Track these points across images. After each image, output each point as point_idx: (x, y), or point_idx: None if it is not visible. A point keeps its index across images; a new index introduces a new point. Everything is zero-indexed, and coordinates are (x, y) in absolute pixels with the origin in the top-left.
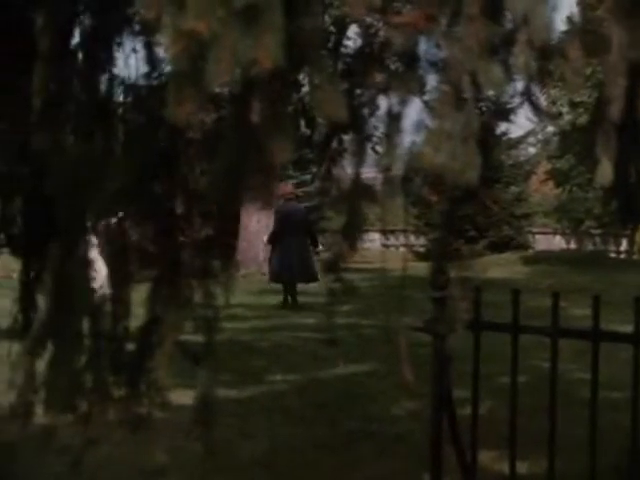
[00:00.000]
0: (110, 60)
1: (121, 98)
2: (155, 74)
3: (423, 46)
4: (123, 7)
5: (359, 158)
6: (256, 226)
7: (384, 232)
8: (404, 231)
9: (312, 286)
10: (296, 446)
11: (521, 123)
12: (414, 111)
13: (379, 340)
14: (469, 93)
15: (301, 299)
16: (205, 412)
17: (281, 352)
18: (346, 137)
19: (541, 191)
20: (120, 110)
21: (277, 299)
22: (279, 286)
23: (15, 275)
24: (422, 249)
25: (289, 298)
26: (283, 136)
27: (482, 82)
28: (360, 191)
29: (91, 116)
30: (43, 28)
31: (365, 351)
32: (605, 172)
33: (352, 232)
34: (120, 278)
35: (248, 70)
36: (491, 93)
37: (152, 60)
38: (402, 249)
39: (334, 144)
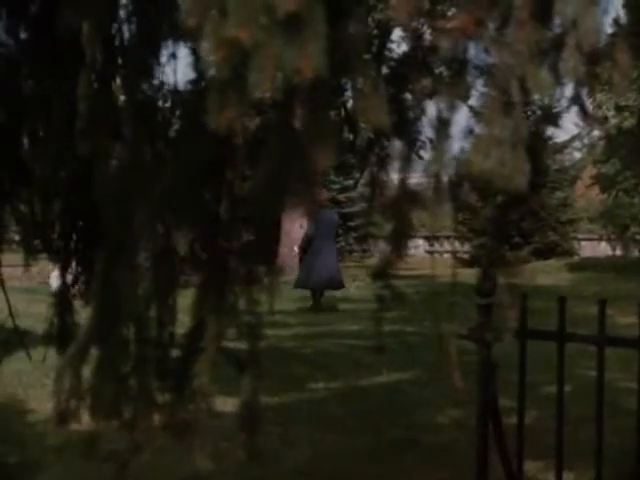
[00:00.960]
0: (156, 66)
1: (167, 104)
2: (201, 80)
3: (471, 51)
4: (169, 13)
5: (405, 163)
6: (298, 232)
7: (428, 238)
8: (448, 237)
9: (354, 292)
10: (339, 454)
11: (566, 127)
12: (460, 117)
13: (423, 347)
14: (518, 98)
15: (343, 306)
16: (250, 420)
17: (323, 359)
18: (389, 142)
19: (586, 196)
20: (166, 116)
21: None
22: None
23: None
24: (466, 255)
25: (315, 301)
26: (326, 143)
27: (531, 87)
28: (408, 197)
29: (137, 122)
30: (89, 34)
31: (409, 358)
32: None
33: (400, 239)
34: (166, 284)
35: (291, 78)
36: (539, 98)
37: (198, 66)
38: (446, 255)
39: (377, 149)
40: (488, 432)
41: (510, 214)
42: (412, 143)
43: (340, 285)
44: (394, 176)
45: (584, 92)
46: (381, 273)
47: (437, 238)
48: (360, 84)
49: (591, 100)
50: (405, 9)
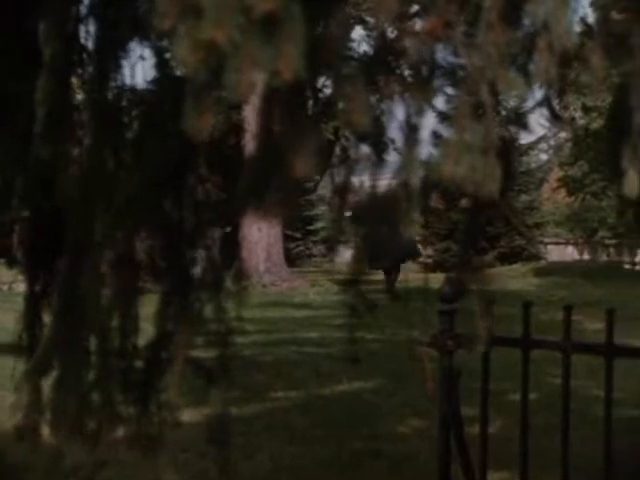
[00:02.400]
0: (117, 68)
1: (129, 107)
2: (165, 82)
3: (440, 53)
4: (130, 12)
5: (370, 166)
6: (256, 235)
7: None
8: None
9: (313, 298)
10: (300, 466)
11: (531, 128)
12: (429, 121)
13: (385, 355)
14: (488, 102)
15: (303, 313)
16: (221, 432)
17: (283, 368)
18: (351, 144)
19: (553, 199)
20: (128, 119)
21: (280, 312)
22: (280, 298)
23: (5, 287)
24: (429, 260)
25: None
26: (306, 148)
27: (501, 90)
28: (375, 202)
29: (99, 125)
30: (47, 35)
31: (371, 367)
32: (632, 184)
33: (371, 244)
34: (129, 292)
35: (270, 81)
36: (508, 100)
37: (163, 68)
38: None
39: (338, 151)
40: (450, 442)
41: (479, 219)
42: (378, 146)
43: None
44: (356, 178)
45: (554, 94)
46: (352, 281)
47: None
48: (341, 87)
49: (558, 101)
50: (387, 8)
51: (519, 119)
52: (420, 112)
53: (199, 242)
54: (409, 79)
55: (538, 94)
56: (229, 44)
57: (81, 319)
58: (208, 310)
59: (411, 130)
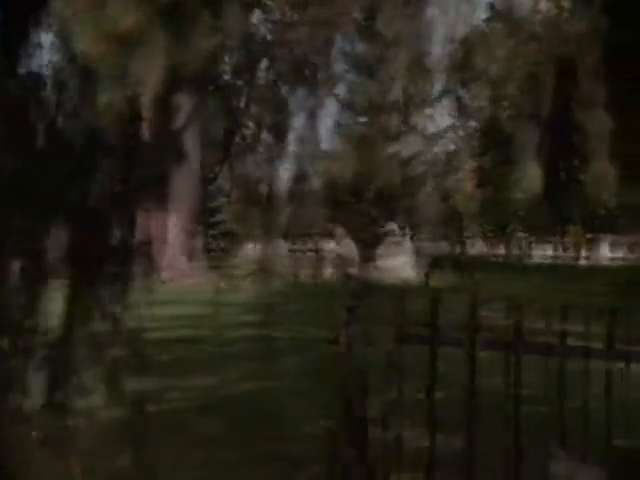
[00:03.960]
0: (24, 54)
1: (35, 95)
2: (71, 70)
3: (339, 42)
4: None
5: (271, 157)
6: (173, 230)
7: (289, 237)
8: (309, 235)
9: (215, 294)
10: (202, 468)
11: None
12: (330, 112)
13: (291, 353)
14: (388, 90)
15: (204, 310)
16: (138, 430)
17: (184, 366)
18: (253, 134)
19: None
20: (37, 110)
21: (180, 310)
22: (180, 295)
23: None
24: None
25: None
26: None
27: (399, 77)
28: (273, 194)
29: (6, 114)
30: None
31: (276, 365)
32: (533, 177)
33: (270, 237)
34: (36, 286)
35: (174, 72)
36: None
37: (69, 55)
38: (309, 254)
39: (237, 141)
40: (354, 442)
41: (383, 210)
42: (278, 136)
43: None
44: (257, 169)
45: (458, 83)
46: (263, 275)
47: (299, 236)
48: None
49: (467, 90)
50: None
51: (424, 108)
52: (322, 100)
53: (107, 233)
54: (311, 66)
55: (444, 83)
56: (134, 35)
57: None
58: (115, 306)
59: (311, 118)
